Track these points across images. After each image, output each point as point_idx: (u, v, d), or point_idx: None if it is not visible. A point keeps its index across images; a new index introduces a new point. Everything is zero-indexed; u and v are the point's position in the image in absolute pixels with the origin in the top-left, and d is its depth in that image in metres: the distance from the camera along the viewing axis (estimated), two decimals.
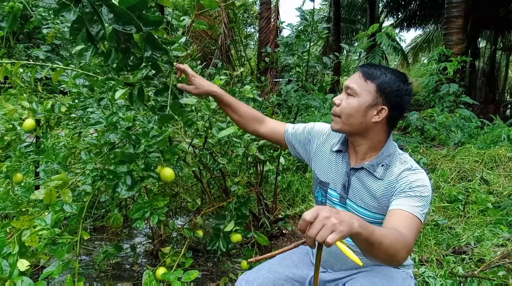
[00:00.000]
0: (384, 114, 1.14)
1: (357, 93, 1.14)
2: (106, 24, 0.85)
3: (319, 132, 1.37)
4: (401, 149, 1.26)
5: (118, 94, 1.30)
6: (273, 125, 1.43)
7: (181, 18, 1.50)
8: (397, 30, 16.40)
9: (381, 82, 1.13)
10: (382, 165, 1.17)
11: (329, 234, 0.74)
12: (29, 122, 1.60)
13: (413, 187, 1.09)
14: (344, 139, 1.27)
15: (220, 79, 1.78)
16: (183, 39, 1.43)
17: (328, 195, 1.28)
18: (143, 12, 0.88)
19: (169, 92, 1.27)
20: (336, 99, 1.18)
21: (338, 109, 1.17)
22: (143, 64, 1.06)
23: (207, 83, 1.34)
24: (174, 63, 1.30)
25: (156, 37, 1.01)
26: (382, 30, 8.08)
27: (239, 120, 1.40)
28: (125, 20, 0.86)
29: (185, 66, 1.33)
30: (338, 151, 1.27)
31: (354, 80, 1.16)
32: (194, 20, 1.52)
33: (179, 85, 1.31)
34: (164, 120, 1.28)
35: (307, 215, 0.76)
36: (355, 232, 0.79)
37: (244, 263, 1.97)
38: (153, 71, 1.23)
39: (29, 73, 1.87)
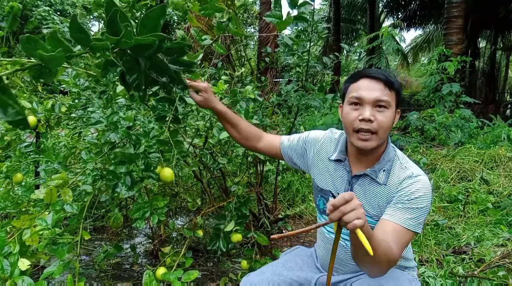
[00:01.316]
0: (398, 116, 1.18)
1: (390, 104, 1.12)
2: None
3: (314, 140, 1.35)
4: (401, 149, 1.25)
5: (119, 88, 1.30)
6: (269, 140, 1.43)
7: (203, 37, 1.53)
8: (397, 30, 16.41)
9: (398, 87, 1.14)
10: (384, 170, 1.16)
11: (355, 219, 0.81)
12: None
13: (411, 199, 1.08)
14: (343, 148, 1.25)
15: (222, 81, 1.78)
16: (200, 56, 1.44)
17: None
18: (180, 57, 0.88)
19: (174, 107, 1.30)
20: (370, 116, 1.09)
21: (375, 125, 1.10)
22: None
23: (215, 100, 1.36)
24: (192, 81, 1.31)
25: (182, 75, 1.00)
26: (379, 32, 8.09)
27: (238, 137, 1.41)
28: (161, 70, 0.86)
29: (204, 84, 1.34)
30: (337, 160, 1.25)
31: (381, 92, 1.11)
32: (215, 42, 1.55)
33: (190, 94, 1.32)
34: (160, 144, 1.33)
35: (347, 195, 0.82)
36: (365, 229, 0.85)
37: (244, 263, 1.97)
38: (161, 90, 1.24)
39: None
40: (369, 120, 1.10)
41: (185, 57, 1.41)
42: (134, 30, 0.76)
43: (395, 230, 1.03)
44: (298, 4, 1.35)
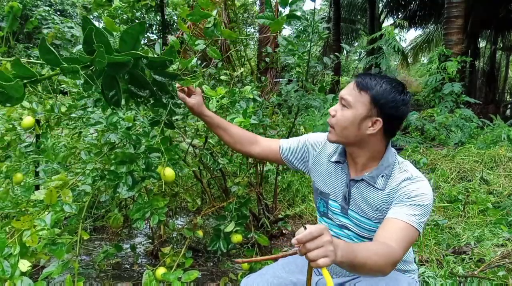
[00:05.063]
0: (379, 126, 1.10)
1: (351, 105, 1.10)
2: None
3: (314, 143, 1.35)
4: (401, 150, 1.25)
5: None
6: (267, 144, 1.42)
7: (196, 43, 1.52)
8: (397, 30, 16.40)
9: (375, 93, 1.08)
10: (382, 176, 1.15)
11: (322, 258, 0.76)
12: (29, 120, 1.60)
13: (411, 196, 1.07)
14: (342, 150, 1.25)
15: (222, 87, 1.77)
16: (194, 60, 1.44)
17: (329, 206, 1.28)
18: (163, 69, 0.89)
19: (167, 111, 1.29)
20: (332, 111, 1.15)
21: (333, 120, 1.15)
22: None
23: (204, 105, 1.37)
24: (184, 88, 1.31)
25: (168, 85, 1.01)
26: (383, 31, 8.07)
27: (230, 141, 1.40)
28: (141, 85, 0.87)
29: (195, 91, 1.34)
30: (336, 162, 1.26)
31: (348, 91, 1.12)
32: (208, 45, 1.54)
33: (180, 96, 1.30)
34: (151, 150, 1.34)
35: (315, 231, 0.77)
36: (338, 262, 0.81)
37: (244, 264, 1.97)
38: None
39: None
40: (332, 115, 1.15)
41: (175, 65, 1.41)
42: (115, 45, 0.77)
43: (398, 227, 1.02)
44: (289, 2, 1.32)
